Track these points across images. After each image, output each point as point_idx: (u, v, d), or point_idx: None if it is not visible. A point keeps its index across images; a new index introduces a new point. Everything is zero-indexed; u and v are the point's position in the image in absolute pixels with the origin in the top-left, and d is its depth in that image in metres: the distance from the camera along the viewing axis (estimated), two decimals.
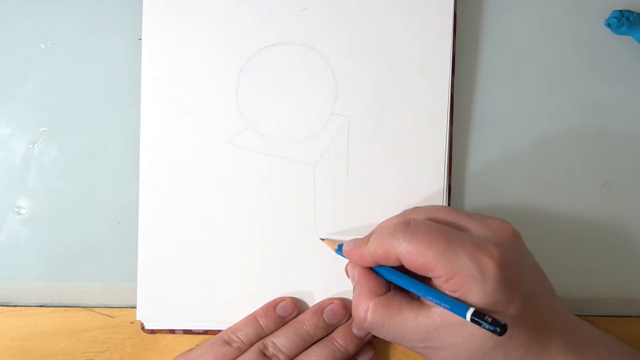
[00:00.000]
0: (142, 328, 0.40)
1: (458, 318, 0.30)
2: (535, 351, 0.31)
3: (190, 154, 0.39)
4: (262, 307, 0.39)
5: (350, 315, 0.39)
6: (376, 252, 0.33)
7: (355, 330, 0.38)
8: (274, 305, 0.38)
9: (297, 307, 0.39)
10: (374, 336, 0.39)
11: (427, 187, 0.39)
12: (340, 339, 0.38)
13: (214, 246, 0.39)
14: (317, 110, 0.39)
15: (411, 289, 0.32)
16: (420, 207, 0.35)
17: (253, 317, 0.38)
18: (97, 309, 0.41)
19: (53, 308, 0.41)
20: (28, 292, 0.41)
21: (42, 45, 0.41)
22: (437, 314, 0.31)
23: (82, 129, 0.41)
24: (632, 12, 0.39)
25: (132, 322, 0.40)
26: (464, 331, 0.30)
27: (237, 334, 0.38)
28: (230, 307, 0.39)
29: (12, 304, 0.41)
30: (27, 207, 0.41)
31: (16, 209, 0.41)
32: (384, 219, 0.38)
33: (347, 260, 0.37)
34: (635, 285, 0.41)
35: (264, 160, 0.39)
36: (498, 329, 0.28)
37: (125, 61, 0.41)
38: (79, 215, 0.41)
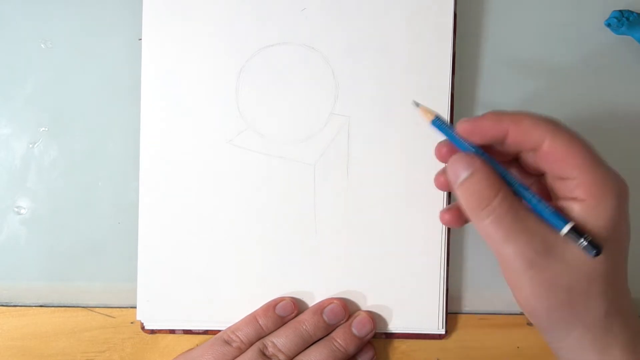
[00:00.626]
0: (142, 328, 0.40)
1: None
2: (620, 301, 0.31)
3: (190, 154, 0.39)
4: (262, 307, 0.39)
5: (350, 316, 0.39)
6: (522, 126, 0.30)
7: (355, 330, 0.38)
8: (273, 305, 0.38)
9: (297, 307, 0.39)
10: (374, 336, 0.39)
11: (427, 187, 0.38)
12: (340, 339, 0.38)
13: (214, 246, 0.39)
14: (317, 110, 0.39)
15: (519, 189, 0.30)
16: None
17: (253, 317, 0.38)
18: (97, 309, 0.41)
19: (53, 308, 0.41)
20: (28, 292, 0.41)
21: (42, 45, 0.41)
22: None
23: (82, 129, 0.41)
24: (632, 12, 0.39)
25: (132, 322, 0.40)
26: (579, 250, 0.29)
27: (237, 334, 0.38)
28: (230, 307, 0.39)
29: (12, 304, 0.41)
30: (27, 207, 0.41)
31: (16, 209, 0.41)
32: (384, 219, 0.38)
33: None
34: (635, 285, 0.41)
35: (264, 160, 0.39)
36: (594, 250, 0.28)
37: (125, 61, 0.41)
38: (79, 215, 0.41)
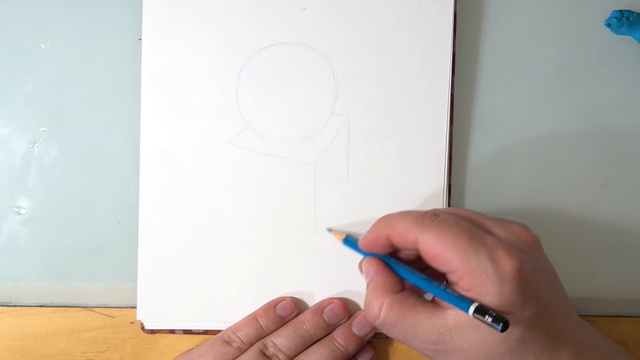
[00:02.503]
0: (142, 328, 0.40)
1: (471, 320, 0.29)
2: (544, 358, 0.31)
3: (190, 154, 0.39)
4: (262, 307, 0.39)
5: (350, 315, 0.39)
6: (396, 230, 0.32)
7: (355, 330, 0.38)
8: (274, 305, 0.38)
9: (297, 307, 0.39)
10: (374, 336, 0.39)
11: (427, 187, 0.39)
12: (340, 339, 0.38)
13: (214, 246, 0.39)
14: (317, 110, 0.39)
15: (419, 284, 0.32)
16: (442, 208, 0.34)
17: (253, 317, 0.38)
18: (97, 309, 0.41)
19: (53, 308, 0.41)
20: (28, 292, 0.41)
21: (42, 45, 0.41)
22: (452, 316, 0.30)
23: (82, 129, 0.41)
24: (632, 12, 0.39)
25: (132, 322, 0.40)
26: (477, 334, 0.30)
27: (237, 334, 0.38)
28: (230, 307, 0.39)
29: (12, 304, 0.41)
30: (27, 207, 0.41)
31: (16, 209, 0.41)
32: None
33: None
34: (635, 285, 0.41)
35: (264, 160, 0.39)
36: (500, 325, 0.28)
37: (125, 61, 0.41)
38: (79, 216, 0.41)
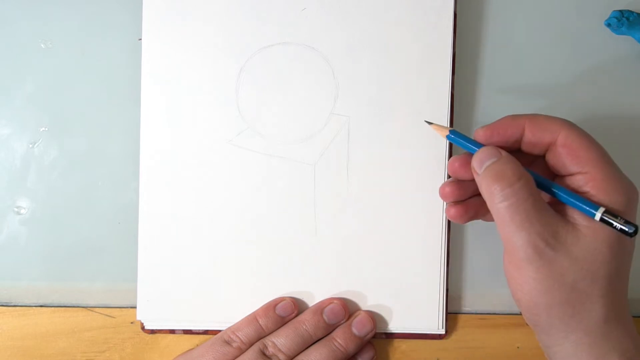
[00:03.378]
0: (142, 328, 0.40)
1: (590, 227, 0.29)
2: (619, 308, 0.31)
3: (191, 154, 0.39)
4: (262, 307, 0.39)
5: (350, 315, 0.39)
6: (537, 120, 0.31)
7: (355, 330, 0.38)
8: (274, 305, 0.38)
9: (297, 307, 0.39)
10: (374, 336, 0.39)
11: (427, 187, 0.39)
12: (340, 339, 0.38)
13: (214, 246, 0.39)
14: (317, 110, 0.39)
15: (546, 182, 0.31)
16: None
17: (253, 317, 0.38)
18: (97, 309, 0.41)
19: (53, 308, 0.41)
20: (28, 292, 0.41)
21: (42, 45, 0.41)
22: (572, 218, 0.30)
23: (82, 129, 0.41)
24: (632, 12, 0.39)
25: (132, 322, 0.40)
26: (591, 243, 0.29)
27: (237, 334, 0.38)
28: (230, 307, 0.39)
29: (12, 304, 0.41)
30: (27, 207, 0.41)
31: (16, 209, 0.41)
32: (384, 219, 0.38)
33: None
34: (635, 285, 0.41)
35: (264, 160, 0.39)
36: (632, 229, 0.28)
37: (125, 61, 0.41)
38: (79, 216, 0.41)
